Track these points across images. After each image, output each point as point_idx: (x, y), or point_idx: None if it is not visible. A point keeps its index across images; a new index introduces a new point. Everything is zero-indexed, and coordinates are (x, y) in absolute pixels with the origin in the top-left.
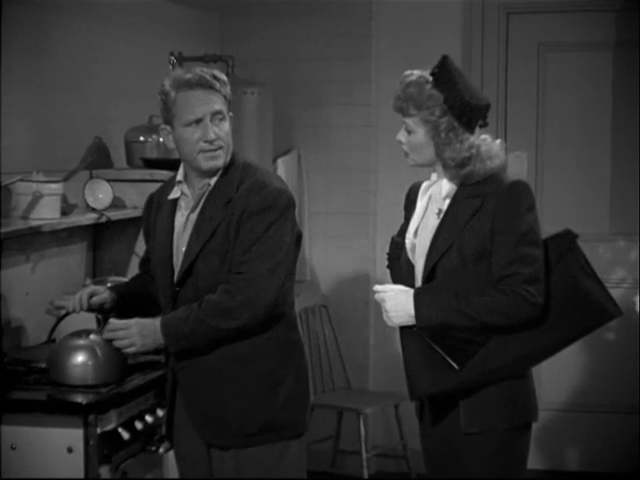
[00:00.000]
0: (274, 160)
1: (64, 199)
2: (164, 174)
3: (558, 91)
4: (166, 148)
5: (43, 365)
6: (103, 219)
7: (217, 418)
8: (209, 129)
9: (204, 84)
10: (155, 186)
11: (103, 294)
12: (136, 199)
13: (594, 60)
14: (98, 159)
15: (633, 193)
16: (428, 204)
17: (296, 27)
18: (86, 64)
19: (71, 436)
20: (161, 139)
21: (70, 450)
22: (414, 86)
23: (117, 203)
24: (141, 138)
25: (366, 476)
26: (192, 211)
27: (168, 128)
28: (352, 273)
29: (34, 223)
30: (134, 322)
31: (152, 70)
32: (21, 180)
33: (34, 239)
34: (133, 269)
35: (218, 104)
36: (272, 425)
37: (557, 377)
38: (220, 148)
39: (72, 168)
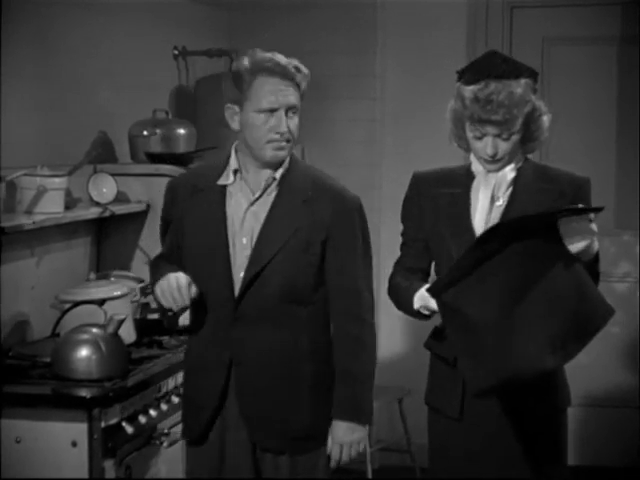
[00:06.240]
0: None
1: (68, 193)
2: (168, 168)
3: (562, 85)
4: (170, 143)
5: (47, 359)
6: (107, 213)
7: (274, 420)
8: (283, 122)
9: (286, 75)
10: (159, 180)
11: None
12: (140, 193)
13: (599, 54)
14: (102, 153)
15: (638, 187)
16: (493, 195)
17: (301, 20)
18: (90, 58)
19: (75, 430)
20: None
21: (74, 444)
22: (517, 89)
23: (121, 197)
24: (145, 132)
25: (370, 470)
26: (253, 203)
27: (236, 108)
28: None
29: (38, 217)
30: None
31: (157, 65)
32: (25, 174)
33: (39, 233)
34: (137, 263)
35: (295, 98)
36: (322, 429)
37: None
38: (288, 141)
39: (76, 162)
